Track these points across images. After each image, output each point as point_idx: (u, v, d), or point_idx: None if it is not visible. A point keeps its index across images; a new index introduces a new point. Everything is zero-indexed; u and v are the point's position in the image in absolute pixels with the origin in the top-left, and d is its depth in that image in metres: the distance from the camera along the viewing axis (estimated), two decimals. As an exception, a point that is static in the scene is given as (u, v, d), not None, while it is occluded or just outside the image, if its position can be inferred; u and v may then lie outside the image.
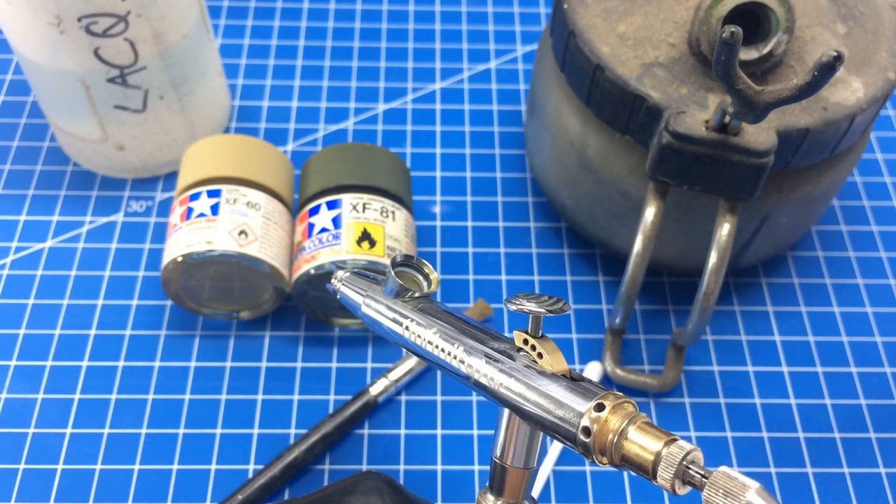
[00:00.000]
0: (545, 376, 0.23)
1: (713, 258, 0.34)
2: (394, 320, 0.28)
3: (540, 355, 0.23)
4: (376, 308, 0.28)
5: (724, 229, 0.34)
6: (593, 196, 0.39)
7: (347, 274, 0.31)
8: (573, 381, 0.23)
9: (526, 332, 0.24)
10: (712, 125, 0.32)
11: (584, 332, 0.41)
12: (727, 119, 0.31)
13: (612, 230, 0.40)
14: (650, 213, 0.34)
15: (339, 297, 0.31)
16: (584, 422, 0.21)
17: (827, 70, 0.26)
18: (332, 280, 0.31)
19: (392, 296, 0.28)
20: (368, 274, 0.30)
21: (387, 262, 0.37)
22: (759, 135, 0.32)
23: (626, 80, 0.34)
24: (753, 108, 0.29)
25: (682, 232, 0.37)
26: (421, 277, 0.29)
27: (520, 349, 0.24)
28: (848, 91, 0.34)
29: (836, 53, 0.26)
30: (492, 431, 0.38)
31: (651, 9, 0.35)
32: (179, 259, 0.36)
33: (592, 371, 0.39)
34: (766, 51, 0.32)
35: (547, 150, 0.40)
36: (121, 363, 0.39)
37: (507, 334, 0.40)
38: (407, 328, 0.27)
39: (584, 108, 0.37)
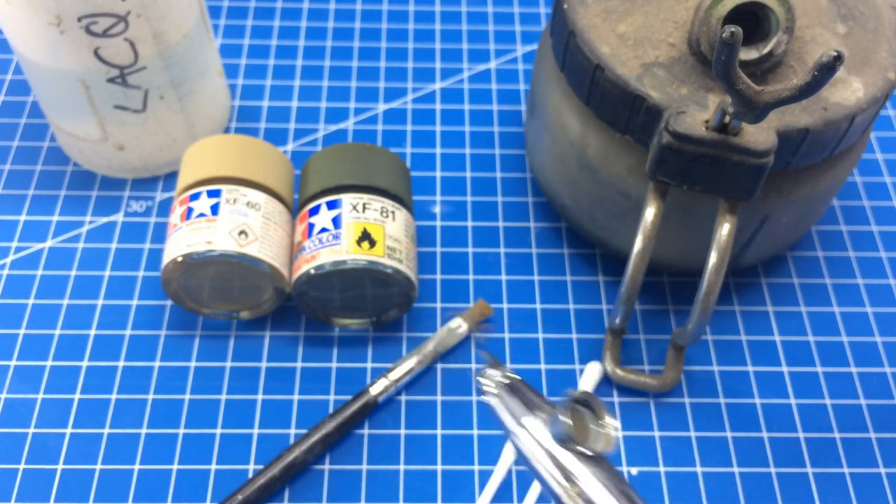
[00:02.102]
0: None
1: (713, 258, 0.34)
2: (556, 478, 0.23)
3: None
4: (534, 452, 0.23)
5: (724, 229, 0.34)
6: (593, 196, 0.39)
7: (500, 380, 0.25)
8: None
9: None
10: (712, 125, 0.32)
11: (585, 332, 0.41)
12: (727, 119, 0.31)
13: (612, 230, 0.40)
14: (650, 213, 0.34)
15: (485, 404, 0.26)
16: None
17: (827, 70, 0.26)
18: (480, 380, 0.26)
19: (558, 440, 0.23)
20: (524, 391, 0.25)
21: (387, 262, 0.37)
22: (759, 135, 0.32)
23: (626, 80, 0.34)
24: (753, 108, 0.29)
25: (682, 232, 0.37)
26: (594, 426, 0.23)
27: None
28: (848, 91, 0.34)
29: (835, 53, 0.26)
30: (492, 432, 0.38)
31: (651, 9, 0.35)
32: (179, 259, 0.36)
33: (592, 371, 0.39)
34: (765, 51, 0.32)
35: (547, 150, 0.40)
36: (121, 363, 0.39)
37: (506, 334, 0.40)
38: (578, 495, 0.22)
39: (584, 107, 0.37)
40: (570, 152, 0.38)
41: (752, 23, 0.32)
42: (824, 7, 0.35)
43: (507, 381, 0.25)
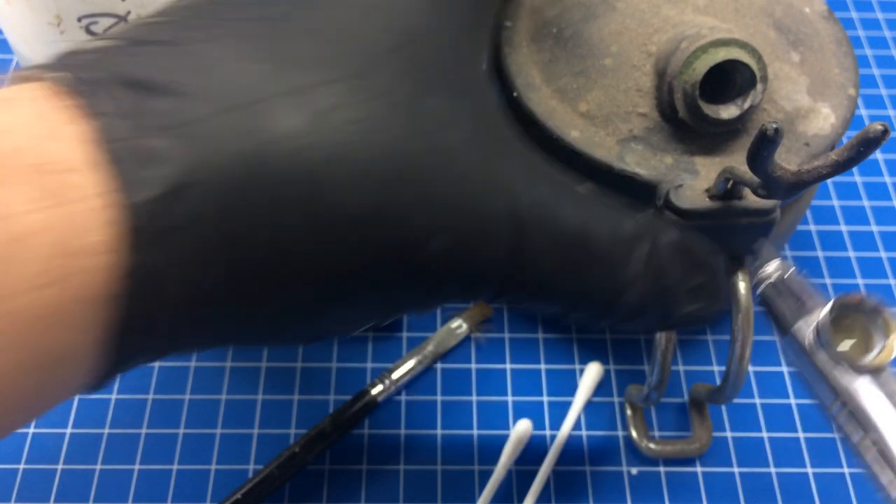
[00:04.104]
0: None
1: (740, 320, 0.31)
2: (821, 385, 0.21)
3: None
4: (801, 357, 0.22)
5: (742, 288, 0.31)
6: None
7: (780, 274, 0.24)
8: None
9: None
10: (715, 193, 0.30)
11: (584, 332, 0.41)
12: (730, 185, 0.30)
13: None
14: None
15: (759, 297, 0.24)
16: None
17: (873, 143, 0.24)
18: (761, 274, 0.24)
19: (823, 350, 0.21)
20: (805, 287, 0.23)
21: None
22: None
23: (608, 162, 0.31)
24: (791, 190, 0.27)
25: None
26: (876, 331, 0.20)
27: None
28: (820, 119, 0.33)
29: (882, 128, 0.24)
30: (492, 432, 0.38)
31: (608, 81, 0.33)
32: (179, 259, 0.36)
33: (592, 371, 0.39)
34: (746, 106, 0.31)
35: None
36: (121, 363, 0.39)
37: (506, 334, 0.40)
38: (841, 410, 0.20)
39: None
40: None
41: (721, 75, 0.30)
42: (774, 39, 0.33)
43: (781, 279, 0.24)
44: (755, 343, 0.40)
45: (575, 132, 0.32)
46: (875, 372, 0.20)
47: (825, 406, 0.20)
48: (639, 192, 0.31)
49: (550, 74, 0.33)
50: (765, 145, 0.25)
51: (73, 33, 0.37)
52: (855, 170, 0.48)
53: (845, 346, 0.20)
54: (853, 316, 0.21)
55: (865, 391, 0.19)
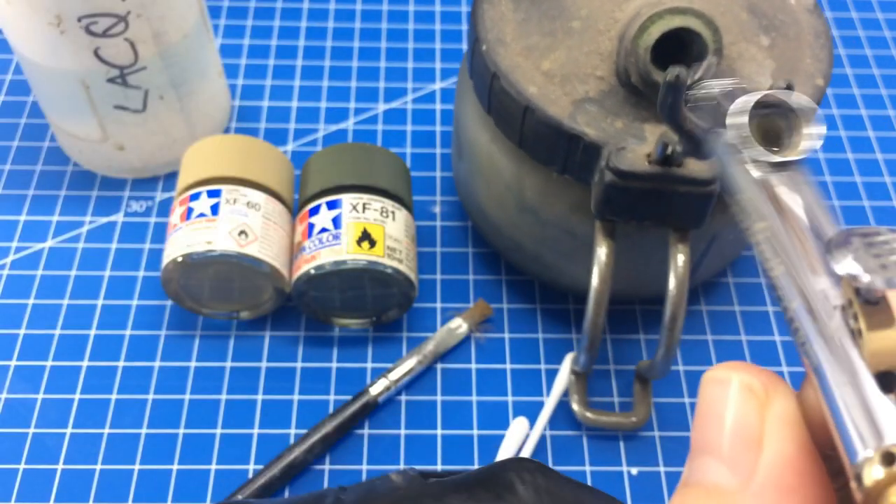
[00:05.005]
0: (852, 366, 0.16)
1: (672, 290, 0.32)
2: (736, 182, 0.19)
3: (859, 332, 0.16)
4: (716, 152, 0.21)
5: (680, 260, 0.32)
6: (536, 237, 0.37)
7: (703, 86, 0.23)
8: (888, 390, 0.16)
9: (856, 289, 0.16)
10: (655, 158, 0.31)
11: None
12: (669, 150, 0.30)
13: (560, 269, 0.38)
14: (602, 253, 0.33)
15: (689, 99, 0.24)
16: (866, 468, 0.14)
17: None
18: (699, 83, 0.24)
19: (736, 148, 0.19)
20: (725, 90, 0.22)
21: (387, 262, 0.36)
22: (703, 163, 0.31)
23: (559, 119, 0.32)
24: (703, 147, 0.27)
25: (632, 263, 0.36)
26: (785, 127, 0.20)
27: (842, 307, 0.16)
28: None
29: (785, 84, 0.23)
30: (492, 432, 0.38)
31: (573, 42, 0.33)
32: (179, 259, 0.36)
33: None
34: (697, 76, 0.30)
35: (481, 194, 0.39)
36: (121, 363, 0.39)
37: (506, 334, 0.40)
38: (737, 203, 0.19)
39: (516, 149, 0.35)
40: (506, 195, 0.37)
41: (680, 46, 0.31)
42: (745, 21, 0.33)
43: (719, 92, 0.23)
44: (756, 343, 0.41)
45: (533, 88, 0.33)
46: (786, 166, 0.19)
47: (736, 206, 0.19)
48: (585, 152, 0.32)
49: (521, 32, 0.34)
50: (669, 92, 0.26)
51: (73, 33, 0.37)
52: (855, 170, 0.48)
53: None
54: (777, 119, 0.20)
55: (774, 185, 0.18)
